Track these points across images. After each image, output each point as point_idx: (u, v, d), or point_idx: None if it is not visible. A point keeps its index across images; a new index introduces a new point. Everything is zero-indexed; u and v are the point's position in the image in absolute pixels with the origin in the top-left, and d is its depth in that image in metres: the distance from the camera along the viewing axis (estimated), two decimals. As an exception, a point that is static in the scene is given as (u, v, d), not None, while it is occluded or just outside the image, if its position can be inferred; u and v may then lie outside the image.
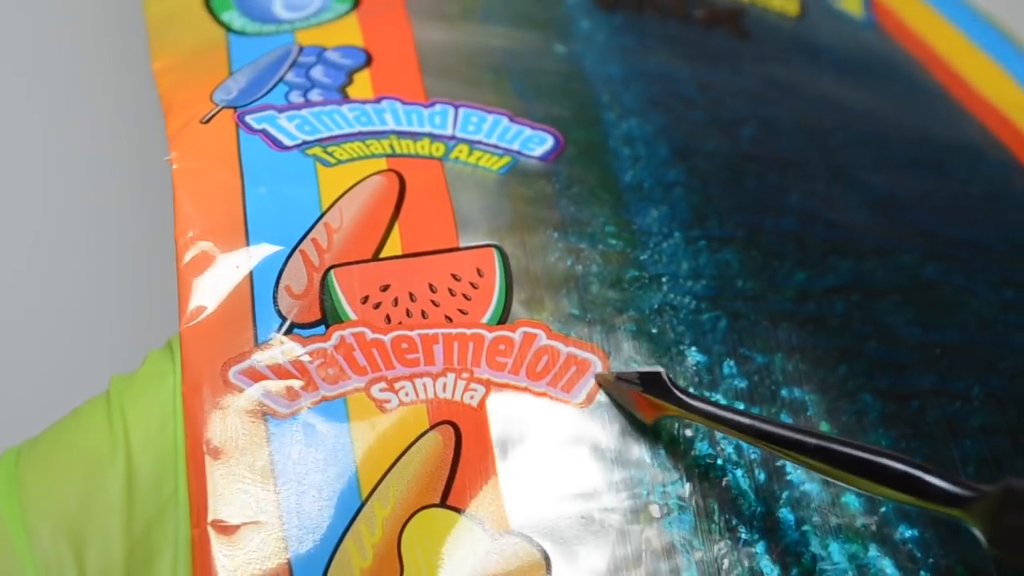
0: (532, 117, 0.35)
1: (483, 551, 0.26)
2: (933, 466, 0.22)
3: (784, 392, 0.31)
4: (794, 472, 0.29)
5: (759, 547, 0.28)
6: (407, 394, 0.28)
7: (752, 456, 0.29)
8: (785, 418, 0.30)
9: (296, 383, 0.28)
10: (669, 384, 0.28)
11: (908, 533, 0.29)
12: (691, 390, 0.30)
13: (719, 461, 0.29)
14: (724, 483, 0.29)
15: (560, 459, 0.28)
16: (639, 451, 0.29)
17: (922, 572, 0.28)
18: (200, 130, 0.32)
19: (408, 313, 0.29)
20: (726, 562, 0.28)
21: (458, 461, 0.27)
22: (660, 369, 0.28)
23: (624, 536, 0.27)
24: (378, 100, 0.34)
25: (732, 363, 0.31)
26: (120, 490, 0.26)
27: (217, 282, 0.29)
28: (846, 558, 0.28)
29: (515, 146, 0.34)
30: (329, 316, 0.29)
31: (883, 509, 0.29)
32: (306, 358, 0.28)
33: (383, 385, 0.28)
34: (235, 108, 0.32)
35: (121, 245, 0.44)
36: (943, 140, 0.43)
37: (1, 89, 0.48)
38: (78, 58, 0.49)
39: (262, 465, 0.27)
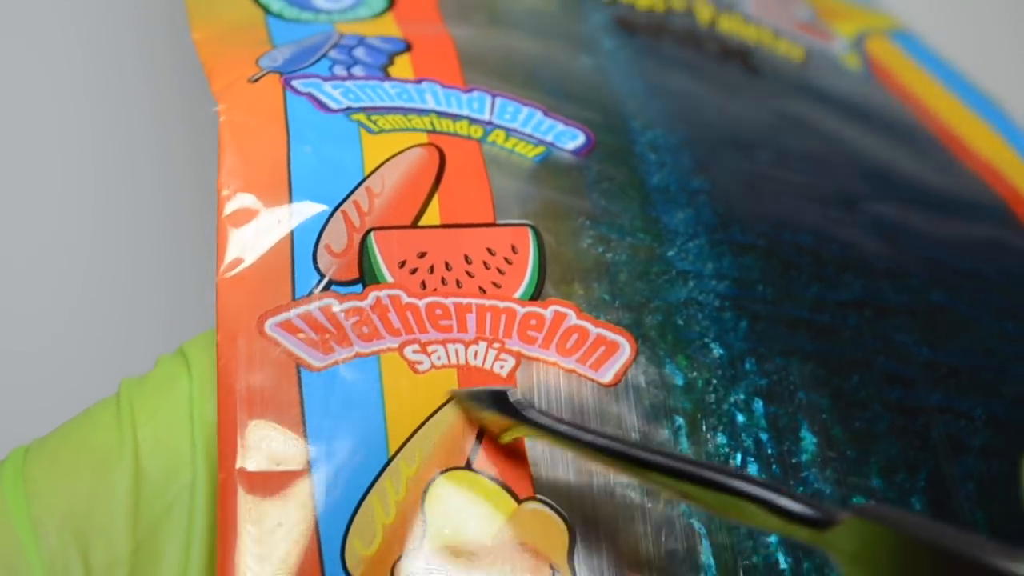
0: (564, 115, 0.36)
1: (508, 514, 0.26)
2: (788, 490, 0.22)
3: (801, 395, 0.31)
4: (808, 471, 0.30)
5: (773, 536, 0.28)
6: (439, 358, 0.28)
7: (769, 451, 0.30)
8: (801, 420, 0.31)
9: (331, 338, 0.28)
10: (512, 404, 0.27)
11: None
12: (705, 384, 0.30)
13: (738, 454, 0.29)
14: None
15: None
16: (664, 434, 0.29)
17: None
18: (247, 88, 0.32)
19: (443, 281, 0.29)
20: (742, 547, 0.28)
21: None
22: (507, 388, 0.28)
23: (644, 513, 0.28)
24: (419, 81, 0.34)
25: (753, 361, 0.31)
26: (127, 489, 0.26)
27: (258, 236, 0.29)
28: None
29: (549, 138, 0.34)
30: (367, 276, 0.29)
31: None
32: (342, 315, 0.28)
33: (416, 347, 0.28)
34: (281, 74, 0.33)
35: (135, 252, 0.45)
36: (942, 185, 0.44)
37: (1, 88, 0.48)
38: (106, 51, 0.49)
39: (293, 416, 0.27)
